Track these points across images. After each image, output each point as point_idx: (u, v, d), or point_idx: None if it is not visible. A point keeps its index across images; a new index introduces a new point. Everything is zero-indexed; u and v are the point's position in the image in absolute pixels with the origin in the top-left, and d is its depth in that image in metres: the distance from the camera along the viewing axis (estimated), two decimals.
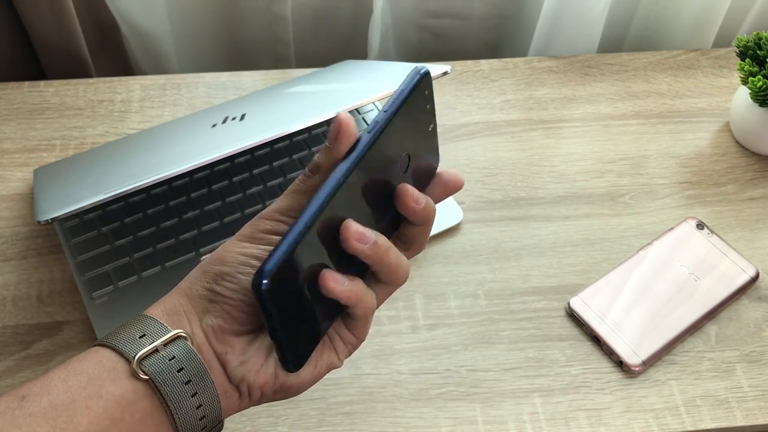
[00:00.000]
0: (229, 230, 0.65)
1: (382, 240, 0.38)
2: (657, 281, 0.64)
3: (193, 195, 0.68)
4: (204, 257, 0.39)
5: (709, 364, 0.60)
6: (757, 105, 0.71)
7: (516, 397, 0.58)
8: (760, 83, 0.68)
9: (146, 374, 0.35)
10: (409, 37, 0.93)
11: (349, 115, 0.37)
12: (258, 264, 0.37)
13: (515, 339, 0.61)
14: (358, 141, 0.37)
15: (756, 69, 0.70)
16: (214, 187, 0.68)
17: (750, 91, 0.70)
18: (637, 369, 0.59)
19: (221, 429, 0.39)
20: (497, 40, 0.94)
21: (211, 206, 0.67)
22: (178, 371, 0.36)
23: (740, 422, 0.57)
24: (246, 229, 0.39)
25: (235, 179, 0.69)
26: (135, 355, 0.36)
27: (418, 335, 0.61)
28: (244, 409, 0.39)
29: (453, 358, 0.60)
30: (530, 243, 0.67)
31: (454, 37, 0.93)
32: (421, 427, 0.57)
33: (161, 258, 0.63)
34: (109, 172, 0.62)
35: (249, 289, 0.36)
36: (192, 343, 0.37)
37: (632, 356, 0.59)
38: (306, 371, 0.39)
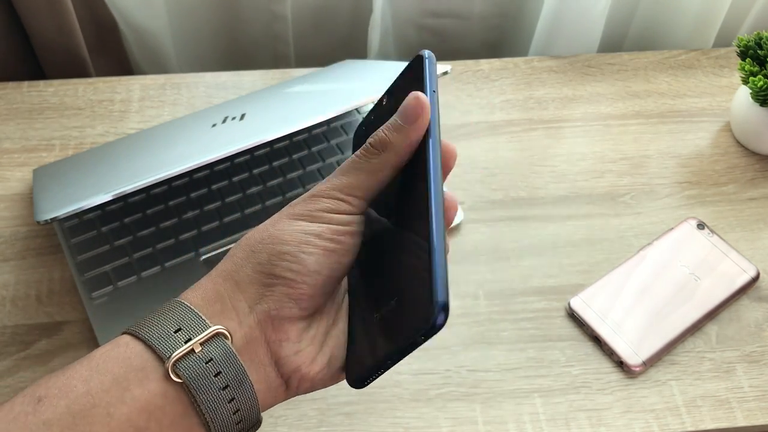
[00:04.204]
0: (229, 230, 0.65)
1: None
2: (657, 281, 0.64)
3: (192, 195, 0.67)
4: (245, 234, 0.37)
5: (709, 365, 0.60)
6: (757, 105, 0.71)
7: (516, 398, 0.58)
8: (761, 83, 0.68)
9: (179, 377, 0.32)
10: (409, 37, 0.92)
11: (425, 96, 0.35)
12: (321, 243, 0.35)
13: (515, 339, 0.61)
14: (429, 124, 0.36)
15: (756, 69, 0.69)
16: (213, 187, 0.68)
17: (750, 90, 0.70)
18: (637, 369, 0.59)
19: (259, 426, 0.36)
20: (497, 40, 0.94)
21: (211, 206, 0.67)
22: (216, 375, 0.33)
23: (741, 422, 0.57)
24: (299, 208, 0.36)
25: (235, 179, 0.69)
26: (170, 356, 0.32)
27: None
28: (286, 400, 0.37)
29: (453, 359, 0.60)
30: (530, 243, 0.67)
31: (454, 36, 0.93)
32: (421, 428, 0.56)
33: (161, 258, 0.63)
34: (108, 172, 0.62)
35: (312, 270, 0.34)
36: (232, 341, 0.34)
37: (633, 356, 0.59)
38: None
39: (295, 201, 0.37)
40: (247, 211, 0.67)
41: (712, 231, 0.67)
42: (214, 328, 0.33)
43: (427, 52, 0.38)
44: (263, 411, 0.36)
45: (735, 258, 0.65)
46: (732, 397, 0.58)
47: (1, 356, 0.59)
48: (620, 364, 0.60)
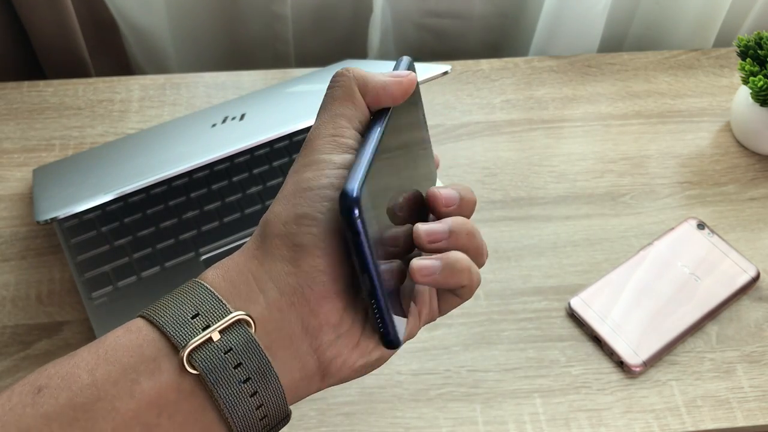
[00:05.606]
0: (229, 230, 0.65)
1: (457, 225, 0.33)
2: (658, 281, 0.64)
3: (192, 195, 0.67)
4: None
5: (709, 365, 0.60)
6: (757, 105, 0.71)
7: (516, 398, 0.58)
8: (761, 83, 0.68)
9: (195, 369, 0.29)
10: (409, 37, 0.92)
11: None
12: (334, 194, 0.32)
13: (515, 339, 0.61)
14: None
15: (757, 69, 0.69)
16: (213, 187, 0.68)
17: (751, 90, 0.70)
18: (637, 369, 0.59)
19: (288, 421, 0.33)
20: (498, 40, 0.94)
21: (210, 206, 0.67)
22: (235, 367, 0.30)
23: (741, 423, 0.57)
24: (302, 163, 0.33)
25: (234, 179, 0.69)
26: (185, 345, 0.29)
27: (418, 335, 0.61)
28: (320, 390, 0.34)
29: (453, 359, 0.60)
30: (530, 243, 0.67)
31: (455, 36, 0.93)
32: (421, 428, 0.56)
33: (161, 258, 0.63)
34: (108, 172, 0.62)
35: (333, 228, 0.31)
36: (255, 329, 0.30)
37: (633, 356, 0.59)
38: None
39: (295, 161, 0.34)
40: (247, 211, 0.67)
41: (712, 231, 0.67)
42: (234, 315, 0.30)
43: (404, 58, 0.38)
44: (294, 402, 0.33)
45: (735, 258, 0.65)
46: (732, 397, 0.58)
47: (1, 356, 0.59)
48: (620, 364, 0.60)
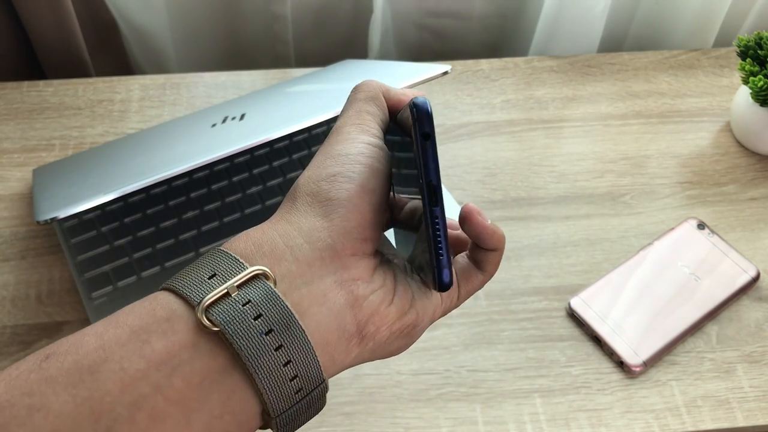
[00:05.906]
0: (229, 230, 0.65)
1: (495, 226, 0.34)
2: (658, 281, 0.64)
3: (192, 195, 0.67)
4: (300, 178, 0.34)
5: (709, 365, 0.60)
6: (757, 105, 0.71)
7: (516, 398, 0.58)
8: (761, 83, 0.68)
9: (215, 325, 0.28)
10: (410, 37, 0.92)
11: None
12: (365, 160, 0.32)
13: (516, 339, 0.61)
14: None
15: (757, 69, 0.69)
16: (213, 187, 0.68)
17: (751, 90, 0.70)
18: (637, 369, 0.59)
19: (326, 391, 0.31)
20: (497, 40, 0.94)
21: (210, 206, 0.67)
22: (255, 318, 0.28)
23: (741, 423, 0.57)
24: (332, 141, 0.34)
25: (234, 179, 0.69)
26: (201, 301, 0.28)
27: None
28: (358, 363, 0.32)
29: (453, 359, 0.60)
30: (530, 243, 0.67)
31: (455, 36, 0.93)
32: (421, 428, 0.56)
33: (161, 258, 0.63)
34: (108, 172, 0.62)
35: (364, 185, 0.32)
36: (275, 283, 0.29)
37: (633, 356, 0.59)
38: (429, 306, 0.33)
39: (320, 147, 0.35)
40: (247, 211, 0.67)
41: (712, 231, 0.67)
42: (252, 269, 0.29)
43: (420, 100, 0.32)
44: (333, 372, 0.31)
45: (735, 258, 0.65)
46: (732, 397, 0.58)
47: (1, 356, 0.59)
48: (620, 364, 0.60)
